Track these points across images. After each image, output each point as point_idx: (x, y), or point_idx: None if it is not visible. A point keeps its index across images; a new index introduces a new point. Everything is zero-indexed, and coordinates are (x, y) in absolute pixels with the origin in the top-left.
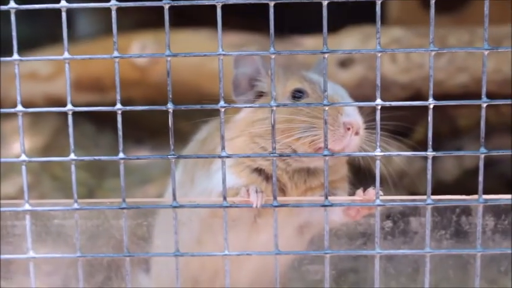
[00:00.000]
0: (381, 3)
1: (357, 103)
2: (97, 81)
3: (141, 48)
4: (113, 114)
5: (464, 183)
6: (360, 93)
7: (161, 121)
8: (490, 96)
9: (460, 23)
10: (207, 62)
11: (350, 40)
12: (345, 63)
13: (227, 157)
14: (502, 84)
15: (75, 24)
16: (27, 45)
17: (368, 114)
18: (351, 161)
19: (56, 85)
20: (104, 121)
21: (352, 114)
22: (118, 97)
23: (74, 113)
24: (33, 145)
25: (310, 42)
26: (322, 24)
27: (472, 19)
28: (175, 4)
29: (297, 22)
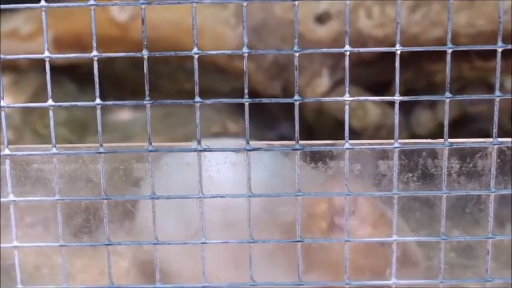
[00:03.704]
0: None
1: (325, 49)
2: (77, 38)
3: (121, 6)
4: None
5: (439, 137)
6: (338, 47)
7: (143, 82)
8: (462, 50)
9: None
10: (187, 18)
11: None
12: (321, 19)
13: (201, 102)
14: (475, 38)
15: None
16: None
17: (344, 69)
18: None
19: (37, 43)
20: (86, 81)
21: None
22: (94, 44)
23: (56, 72)
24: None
25: None
26: None
27: None
28: None
29: None
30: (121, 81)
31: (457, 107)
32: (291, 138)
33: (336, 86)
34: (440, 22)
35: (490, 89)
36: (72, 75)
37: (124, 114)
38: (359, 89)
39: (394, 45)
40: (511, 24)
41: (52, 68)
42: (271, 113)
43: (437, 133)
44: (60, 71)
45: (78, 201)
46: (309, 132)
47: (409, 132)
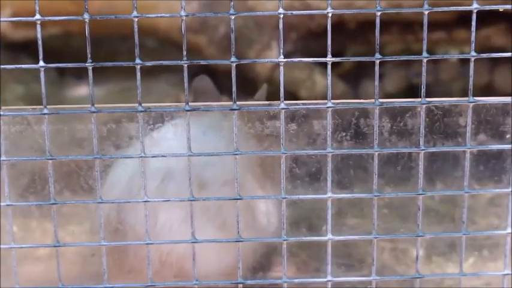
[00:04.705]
0: None
1: (259, 13)
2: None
3: None
4: (54, 49)
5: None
6: (286, 21)
7: (102, 57)
8: (407, 22)
9: None
10: None
11: None
12: None
13: (141, 64)
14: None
15: None
16: None
17: (294, 42)
18: None
19: None
20: (44, 57)
21: None
22: (37, 7)
23: (14, 50)
24: None
25: None
26: None
27: None
28: None
29: None
30: (81, 58)
31: (403, 79)
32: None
33: (286, 58)
34: None
35: (434, 60)
36: (30, 51)
37: (82, 90)
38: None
39: (341, 17)
40: None
41: (10, 45)
42: (228, 87)
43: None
44: (19, 48)
45: (23, 162)
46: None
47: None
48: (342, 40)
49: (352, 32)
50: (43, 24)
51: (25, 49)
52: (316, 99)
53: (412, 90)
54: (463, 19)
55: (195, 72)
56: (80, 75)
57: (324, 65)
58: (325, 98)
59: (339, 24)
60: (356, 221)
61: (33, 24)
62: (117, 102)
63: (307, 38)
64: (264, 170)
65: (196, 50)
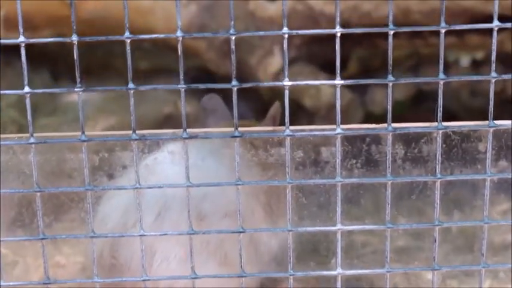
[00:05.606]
0: None
1: (261, 32)
2: (28, 18)
3: None
4: (48, 54)
5: (395, 116)
6: (289, 25)
7: (98, 62)
8: (415, 26)
9: None
10: None
11: None
12: None
13: (135, 89)
14: (428, 14)
15: None
16: None
17: (298, 47)
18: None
19: None
20: (38, 61)
21: None
22: (21, 29)
23: (8, 53)
24: None
25: None
26: None
27: None
28: None
29: None
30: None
31: (411, 85)
32: (248, 118)
33: (289, 64)
34: None
35: (445, 66)
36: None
37: (76, 96)
38: (313, 67)
39: (347, 20)
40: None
41: (4, 49)
42: (226, 94)
43: (392, 112)
44: (11, 51)
45: (10, 194)
46: (265, 111)
47: (364, 110)
48: (347, 44)
49: (357, 35)
50: (37, 26)
51: (17, 52)
52: (320, 108)
53: (420, 97)
54: (473, 24)
55: (193, 75)
56: (75, 79)
57: (329, 70)
58: (330, 106)
59: (344, 27)
60: (365, 238)
61: (27, 27)
62: (112, 108)
63: (311, 43)
64: (269, 199)
65: (195, 55)
